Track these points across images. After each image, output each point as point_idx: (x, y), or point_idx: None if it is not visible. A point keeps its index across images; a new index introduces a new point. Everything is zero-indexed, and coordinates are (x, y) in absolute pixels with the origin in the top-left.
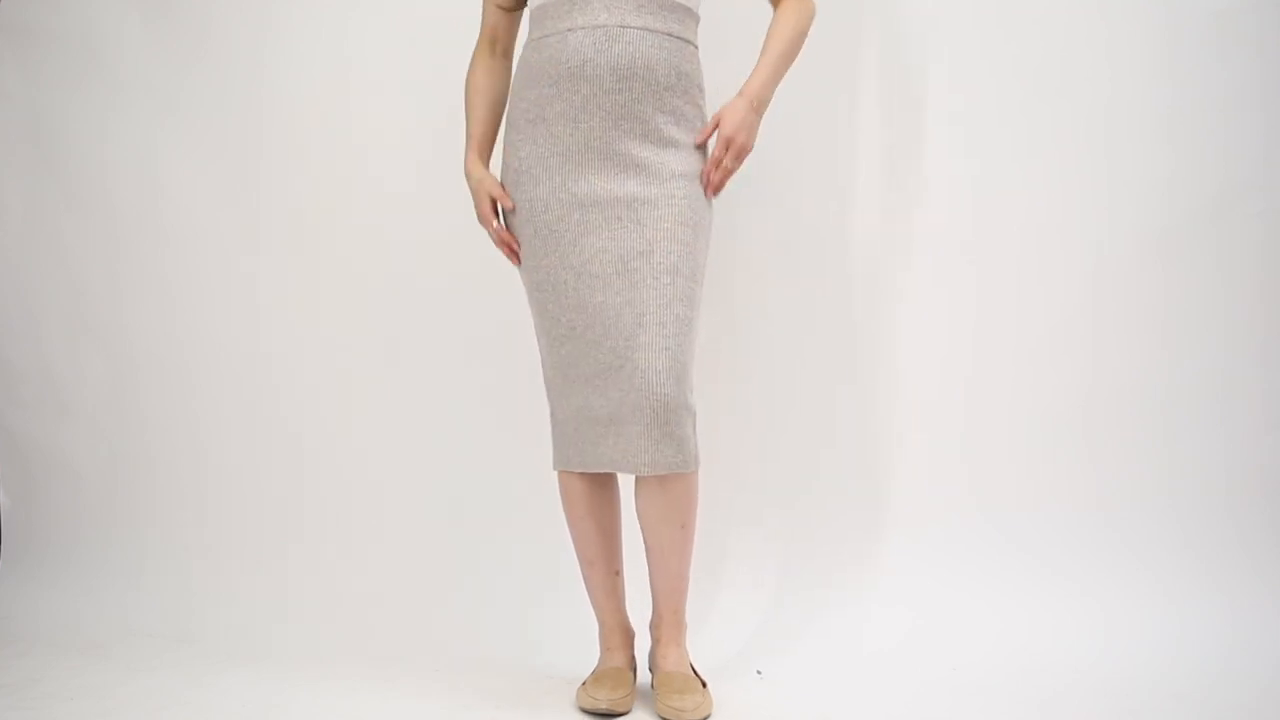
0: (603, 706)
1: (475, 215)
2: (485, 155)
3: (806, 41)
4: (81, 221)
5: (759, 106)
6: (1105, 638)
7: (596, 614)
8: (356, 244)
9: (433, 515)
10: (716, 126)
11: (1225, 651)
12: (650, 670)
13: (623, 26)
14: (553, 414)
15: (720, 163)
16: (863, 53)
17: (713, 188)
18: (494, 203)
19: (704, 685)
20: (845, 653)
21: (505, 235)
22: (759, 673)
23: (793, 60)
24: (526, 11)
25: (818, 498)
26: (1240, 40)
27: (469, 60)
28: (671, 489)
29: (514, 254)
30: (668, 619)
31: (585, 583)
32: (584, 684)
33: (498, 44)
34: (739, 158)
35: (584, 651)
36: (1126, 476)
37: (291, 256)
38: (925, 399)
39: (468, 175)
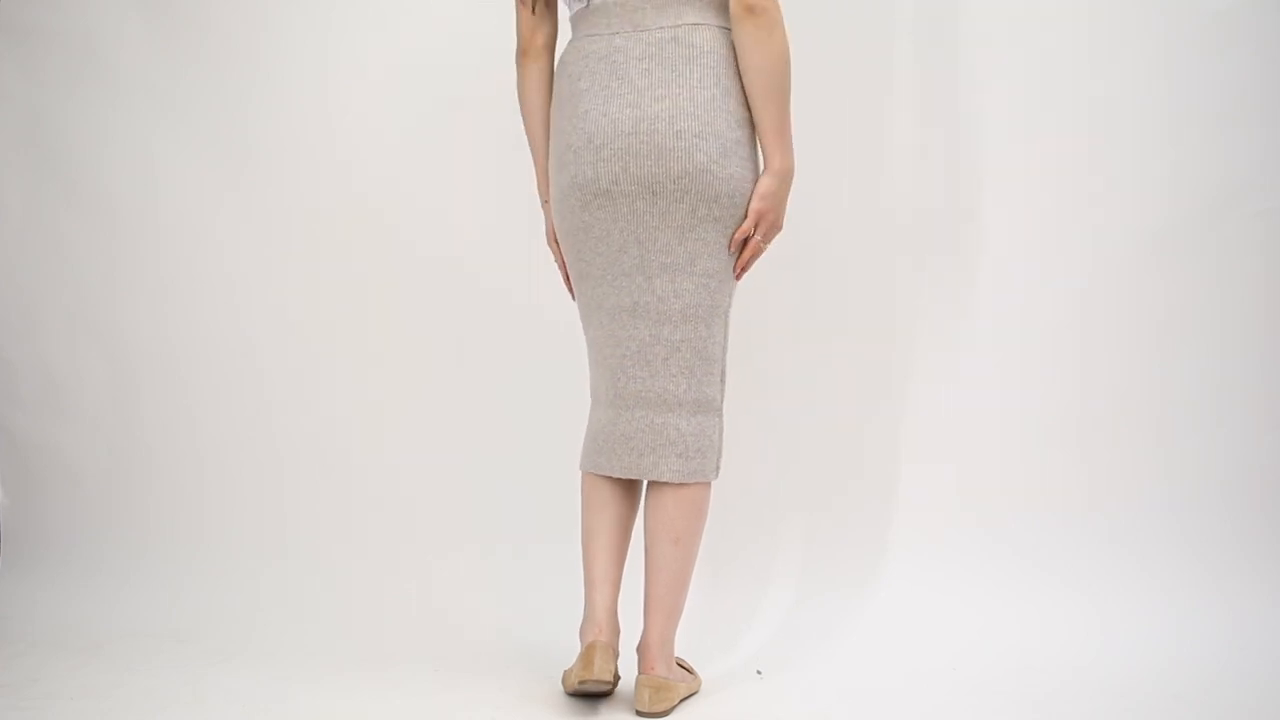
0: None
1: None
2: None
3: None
4: (81, 221)
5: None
6: (1104, 638)
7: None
8: (357, 244)
9: (434, 515)
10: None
11: (1224, 651)
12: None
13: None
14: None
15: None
16: (859, 55)
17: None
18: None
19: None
20: (845, 653)
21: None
22: (759, 673)
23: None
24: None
25: (817, 500)
26: (1240, 41)
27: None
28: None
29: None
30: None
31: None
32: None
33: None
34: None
35: None
36: (1126, 477)
37: (291, 256)
38: (924, 401)
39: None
